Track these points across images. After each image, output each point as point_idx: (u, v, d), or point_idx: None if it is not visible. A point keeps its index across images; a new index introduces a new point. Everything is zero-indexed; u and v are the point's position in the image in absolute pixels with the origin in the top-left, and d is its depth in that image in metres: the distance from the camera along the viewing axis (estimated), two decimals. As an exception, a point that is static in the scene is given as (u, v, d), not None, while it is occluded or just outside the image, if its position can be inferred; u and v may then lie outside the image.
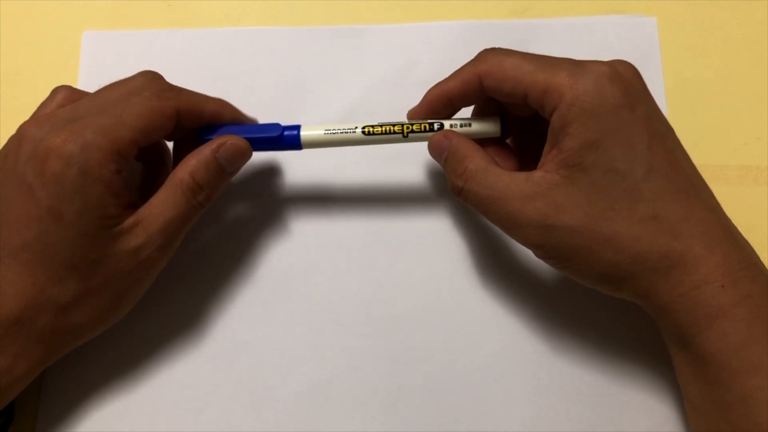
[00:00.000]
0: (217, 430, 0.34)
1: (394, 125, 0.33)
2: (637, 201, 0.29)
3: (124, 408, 0.34)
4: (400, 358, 0.35)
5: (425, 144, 0.33)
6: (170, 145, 0.36)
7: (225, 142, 0.33)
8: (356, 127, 0.33)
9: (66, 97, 0.33)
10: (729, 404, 0.27)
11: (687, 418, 0.31)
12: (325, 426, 0.34)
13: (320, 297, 0.36)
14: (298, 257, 0.37)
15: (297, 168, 0.38)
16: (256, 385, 0.35)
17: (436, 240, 0.37)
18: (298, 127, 0.34)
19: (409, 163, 0.38)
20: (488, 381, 0.35)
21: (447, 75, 0.33)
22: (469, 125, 0.33)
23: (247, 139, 0.33)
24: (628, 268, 0.29)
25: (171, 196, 0.32)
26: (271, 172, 0.38)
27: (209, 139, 0.33)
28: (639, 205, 0.29)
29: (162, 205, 0.31)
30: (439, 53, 0.40)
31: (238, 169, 0.34)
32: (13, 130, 0.31)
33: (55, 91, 0.33)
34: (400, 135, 0.33)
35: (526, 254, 0.37)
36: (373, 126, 0.33)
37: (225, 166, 0.33)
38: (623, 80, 0.29)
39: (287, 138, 0.33)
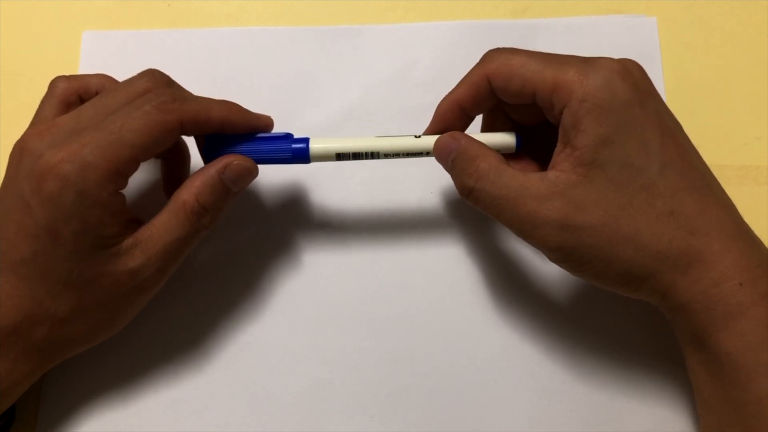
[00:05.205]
0: (218, 431, 0.34)
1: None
2: (654, 197, 0.28)
3: (125, 409, 0.34)
4: (400, 359, 0.35)
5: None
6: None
7: (231, 162, 0.31)
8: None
9: (65, 91, 0.33)
10: (744, 404, 0.27)
11: (698, 419, 0.31)
12: (325, 426, 0.34)
13: (321, 297, 0.36)
14: (298, 259, 0.37)
15: (297, 176, 0.38)
16: (256, 385, 0.35)
17: (436, 241, 0.37)
18: (306, 140, 0.33)
19: (409, 172, 0.38)
20: (488, 381, 0.35)
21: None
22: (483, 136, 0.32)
23: (255, 157, 0.32)
24: (648, 266, 0.28)
25: (173, 219, 0.31)
26: (273, 179, 0.38)
27: (214, 147, 0.32)
28: (656, 201, 0.28)
29: (163, 228, 0.31)
30: (439, 53, 0.40)
31: (244, 188, 0.33)
32: (13, 130, 0.31)
33: (54, 84, 0.33)
34: (413, 136, 0.32)
35: (525, 255, 0.37)
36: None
37: (230, 187, 0.32)
38: (632, 76, 0.29)
39: (295, 151, 0.32)
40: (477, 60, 0.32)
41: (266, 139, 0.33)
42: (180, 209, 0.31)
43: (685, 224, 0.28)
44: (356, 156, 0.33)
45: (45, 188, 0.28)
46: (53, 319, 0.30)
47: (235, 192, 0.32)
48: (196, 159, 0.36)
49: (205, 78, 0.40)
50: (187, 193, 0.31)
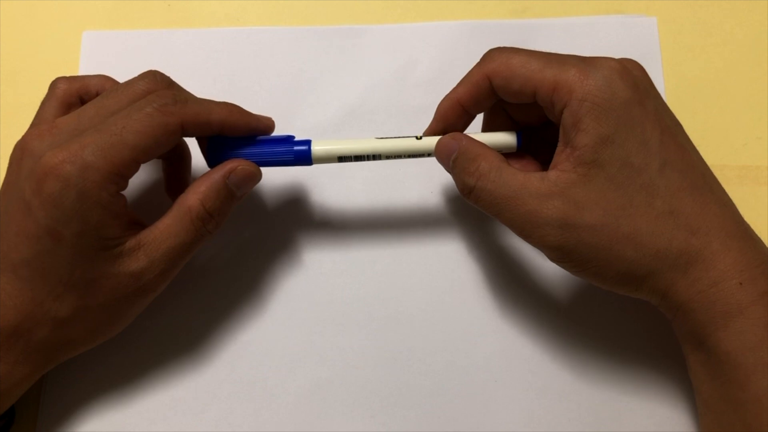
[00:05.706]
0: (218, 431, 0.34)
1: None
2: (654, 196, 0.28)
3: (125, 409, 0.34)
4: (400, 358, 0.35)
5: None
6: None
7: (236, 167, 0.31)
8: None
9: (66, 92, 0.33)
10: (743, 403, 0.27)
11: (699, 418, 0.31)
12: (325, 426, 0.34)
13: (321, 297, 0.36)
14: (299, 259, 0.37)
15: (298, 175, 0.38)
16: (256, 385, 0.35)
17: (437, 240, 0.37)
18: (308, 143, 0.33)
19: (409, 171, 0.38)
20: (488, 381, 0.35)
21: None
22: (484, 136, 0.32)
23: (258, 160, 0.32)
24: (648, 265, 0.28)
25: (178, 224, 0.31)
26: (274, 179, 0.38)
27: (217, 148, 0.32)
28: (656, 201, 0.28)
29: (168, 231, 0.31)
30: (439, 53, 0.40)
31: (247, 193, 0.33)
32: (13, 130, 0.31)
33: (54, 85, 0.33)
34: (414, 138, 0.33)
35: (526, 255, 0.37)
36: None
37: (235, 192, 0.32)
38: (632, 76, 0.29)
39: (298, 153, 0.33)
40: (477, 60, 0.32)
41: (269, 141, 0.33)
42: (186, 214, 0.31)
43: (685, 223, 0.28)
44: (358, 158, 0.33)
45: (46, 189, 0.28)
46: (54, 321, 0.30)
47: (238, 197, 0.32)
48: (197, 160, 0.36)
49: (204, 78, 0.40)
50: (193, 199, 0.31)
